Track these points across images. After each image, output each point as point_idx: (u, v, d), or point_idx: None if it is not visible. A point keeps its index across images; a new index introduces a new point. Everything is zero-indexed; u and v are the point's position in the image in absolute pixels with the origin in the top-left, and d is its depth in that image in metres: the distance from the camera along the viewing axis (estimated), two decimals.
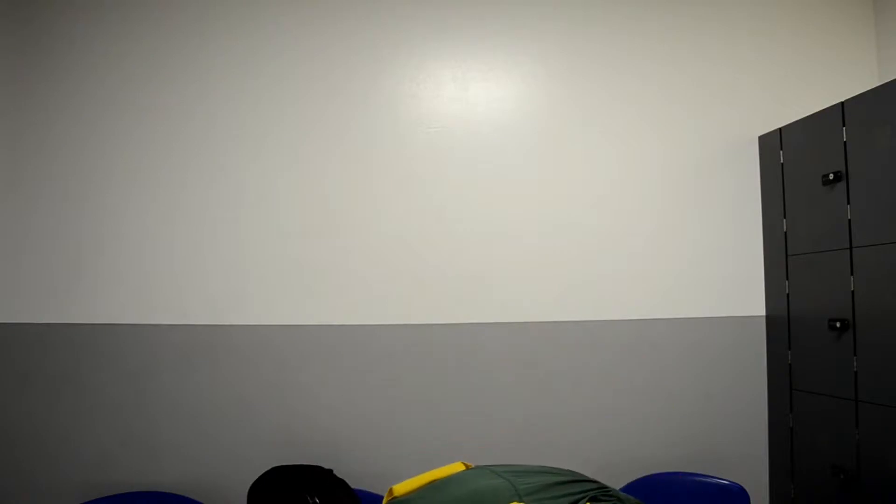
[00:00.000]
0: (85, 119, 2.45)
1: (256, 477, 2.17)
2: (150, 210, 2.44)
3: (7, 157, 2.42)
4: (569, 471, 1.50)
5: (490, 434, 2.49)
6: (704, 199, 2.68)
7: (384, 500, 1.50)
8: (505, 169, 2.59)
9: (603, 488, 1.43)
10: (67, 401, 2.35)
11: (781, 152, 2.57)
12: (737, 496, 2.34)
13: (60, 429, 2.33)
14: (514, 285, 2.55)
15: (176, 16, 2.52)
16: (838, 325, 2.22)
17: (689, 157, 2.69)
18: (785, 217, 2.55)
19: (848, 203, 2.22)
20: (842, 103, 2.27)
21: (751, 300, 2.66)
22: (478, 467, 1.54)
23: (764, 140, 2.68)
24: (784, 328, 2.53)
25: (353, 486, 2.24)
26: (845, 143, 2.24)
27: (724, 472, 2.42)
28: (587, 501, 1.35)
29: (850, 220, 2.21)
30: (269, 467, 2.22)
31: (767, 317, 2.64)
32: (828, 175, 2.28)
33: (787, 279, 2.52)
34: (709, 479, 2.40)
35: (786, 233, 2.54)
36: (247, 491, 2.14)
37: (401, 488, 1.49)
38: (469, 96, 2.61)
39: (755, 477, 2.56)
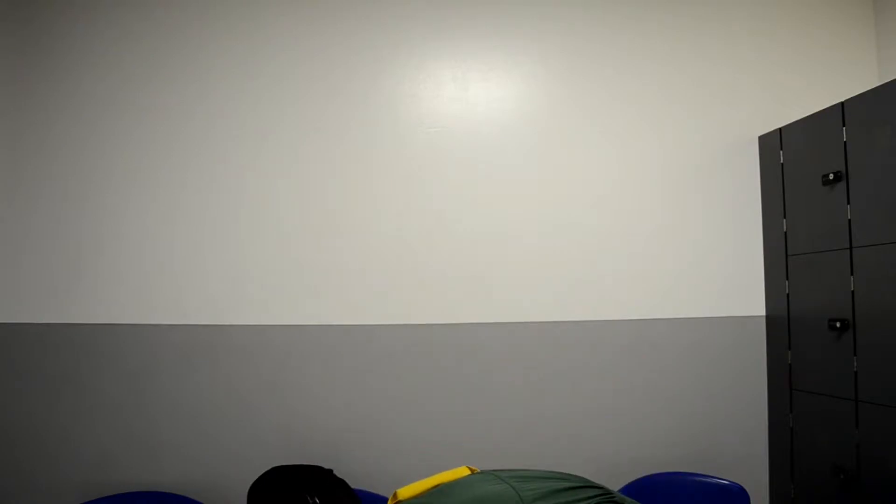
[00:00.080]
0: (85, 119, 2.45)
1: (256, 477, 2.17)
2: (150, 210, 2.44)
3: (7, 157, 2.42)
4: (575, 476, 1.50)
5: (490, 434, 2.49)
6: (704, 199, 2.68)
7: None
8: (505, 169, 2.59)
9: (608, 494, 1.42)
10: (67, 401, 2.35)
11: (781, 152, 2.57)
12: (737, 496, 2.34)
13: (60, 429, 2.33)
14: (514, 285, 2.55)
15: (176, 16, 2.52)
16: (838, 325, 2.22)
17: (689, 157, 2.69)
18: (785, 217, 2.55)
19: (848, 203, 2.22)
20: (842, 103, 2.27)
21: (751, 300, 2.66)
22: (483, 472, 1.53)
23: (764, 140, 2.68)
24: (784, 328, 2.53)
25: (353, 486, 2.24)
26: (845, 143, 2.24)
27: (724, 472, 2.42)
28: None
29: (850, 220, 2.21)
30: (269, 467, 2.21)
31: (767, 317, 2.64)
32: (828, 175, 2.28)
33: (787, 279, 2.52)
34: (709, 479, 2.40)
35: (786, 233, 2.54)
36: (247, 491, 2.14)
37: (405, 492, 1.48)
38: (469, 96, 2.61)
39: (755, 477, 2.56)
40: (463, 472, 1.56)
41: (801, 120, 2.48)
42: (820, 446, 2.32)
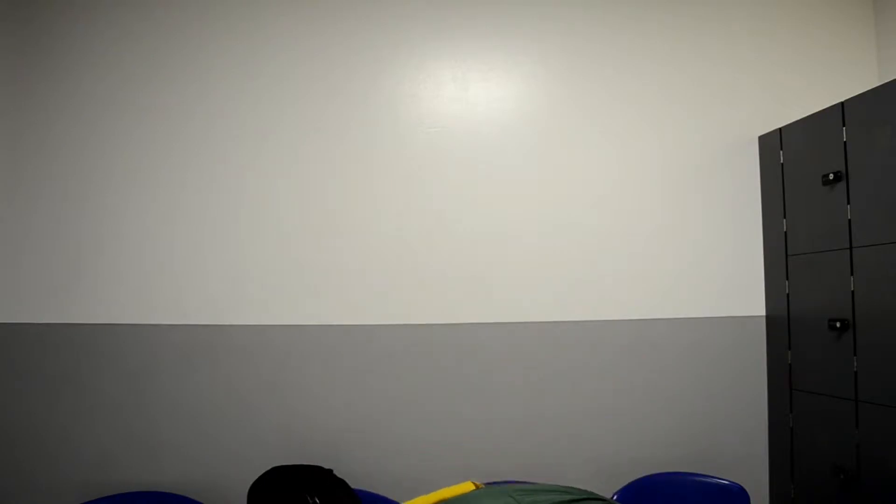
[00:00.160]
0: (85, 119, 2.45)
1: (256, 477, 2.17)
2: (150, 210, 2.44)
3: (7, 157, 2.42)
4: (582, 490, 1.50)
5: (490, 434, 2.49)
6: (704, 199, 2.68)
7: None
8: (505, 169, 2.59)
9: None
10: (67, 401, 2.35)
11: (781, 152, 2.57)
12: (737, 496, 2.34)
13: (60, 429, 2.33)
14: (514, 285, 2.55)
15: (176, 16, 2.52)
16: (838, 325, 2.22)
17: (689, 157, 2.69)
18: (785, 217, 2.55)
19: (848, 203, 2.22)
20: (842, 103, 2.27)
21: (751, 300, 2.66)
22: (488, 486, 1.54)
23: (764, 140, 2.68)
24: (784, 328, 2.53)
25: (353, 486, 2.24)
26: (845, 143, 2.24)
27: (724, 472, 2.42)
28: None
29: (850, 220, 2.21)
30: (269, 467, 2.22)
31: (767, 317, 2.64)
32: (828, 175, 2.28)
33: (787, 279, 2.52)
34: (709, 479, 2.40)
35: (786, 233, 2.54)
36: (247, 491, 2.15)
37: None
38: (469, 96, 2.61)
39: (755, 477, 2.56)
40: (468, 486, 1.56)
41: (801, 120, 2.48)
42: (820, 446, 2.32)
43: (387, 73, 2.58)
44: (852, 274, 2.19)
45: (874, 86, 2.23)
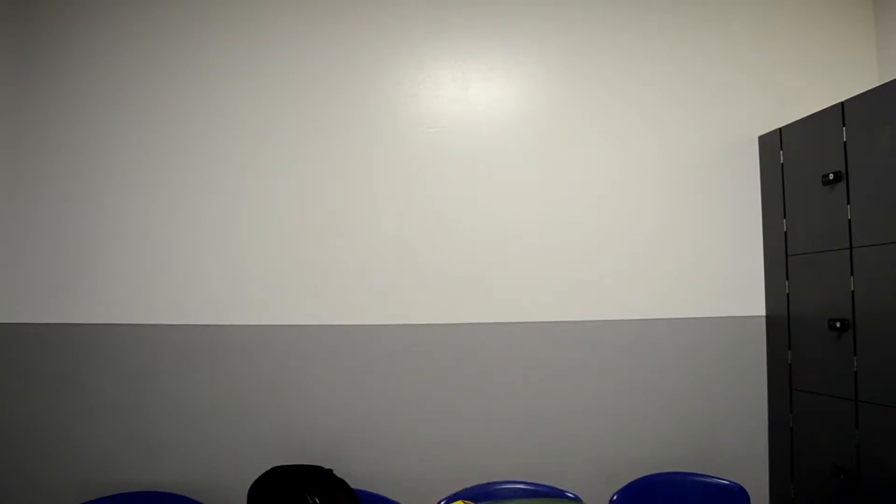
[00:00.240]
0: (85, 119, 2.45)
1: (256, 477, 2.17)
2: (150, 210, 2.44)
3: (7, 157, 2.42)
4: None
5: (490, 434, 2.49)
6: (704, 199, 2.68)
7: None
8: (505, 169, 2.59)
9: None
10: (67, 401, 2.35)
11: (781, 152, 2.57)
12: (737, 496, 2.34)
13: (60, 429, 2.33)
14: (514, 285, 2.55)
15: (176, 16, 2.52)
16: (838, 325, 2.22)
17: (689, 157, 2.69)
18: (785, 217, 2.55)
19: (848, 203, 2.22)
20: (842, 103, 2.27)
21: (751, 300, 2.66)
22: None
23: (764, 140, 2.68)
24: (784, 328, 2.53)
25: (353, 486, 2.24)
26: (845, 143, 2.24)
27: (724, 472, 2.42)
28: None
29: (850, 220, 2.21)
30: (269, 467, 2.22)
31: (767, 317, 2.64)
32: (828, 175, 2.28)
33: (787, 279, 2.52)
34: (709, 479, 2.40)
35: (786, 233, 2.54)
36: (247, 491, 2.15)
37: None
38: (469, 96, 2.61)
39: (755, 477, 2.56)
40: None
41: (801, 120, 2.48)
42: (820, 446, 2.32)
43: (387, 73, 2.58)
44: (852, 274, 2.19)
45: (874, 86, 2.22)
